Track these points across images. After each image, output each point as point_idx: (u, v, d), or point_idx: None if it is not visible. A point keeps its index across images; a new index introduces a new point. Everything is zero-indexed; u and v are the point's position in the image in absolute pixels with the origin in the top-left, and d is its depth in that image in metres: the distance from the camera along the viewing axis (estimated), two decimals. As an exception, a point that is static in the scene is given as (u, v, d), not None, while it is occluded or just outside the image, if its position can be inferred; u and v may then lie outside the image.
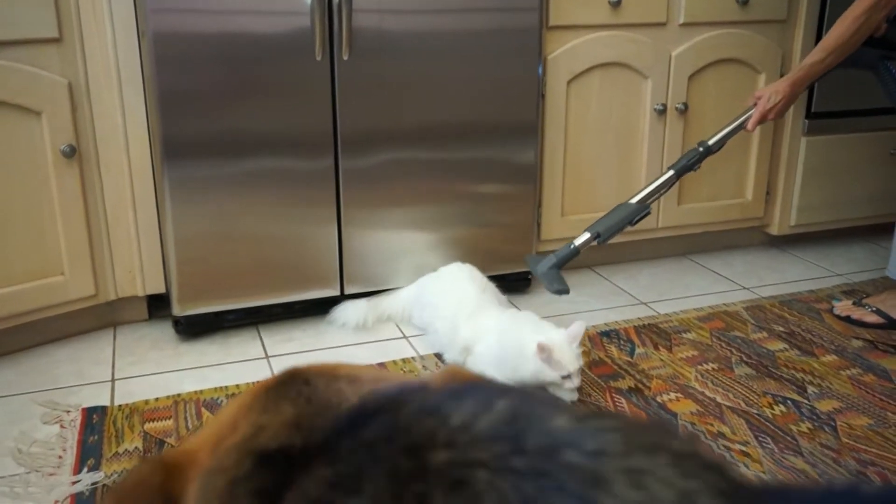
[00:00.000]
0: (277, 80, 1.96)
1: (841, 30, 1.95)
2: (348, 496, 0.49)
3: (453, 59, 2.10)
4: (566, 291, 1.95)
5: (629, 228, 2.03)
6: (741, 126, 2.07)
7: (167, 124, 1.90)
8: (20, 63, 1.81)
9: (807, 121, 2.62)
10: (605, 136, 2.43)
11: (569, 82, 2.33)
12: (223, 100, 1.93)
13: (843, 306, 2.21)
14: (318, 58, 1.97)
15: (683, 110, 2.47)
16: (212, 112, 1.93)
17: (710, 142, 2.05)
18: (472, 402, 0.50)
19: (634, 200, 2.00)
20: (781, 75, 2.57)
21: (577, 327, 1.72)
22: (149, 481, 0.66)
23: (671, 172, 2.04)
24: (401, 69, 2.06)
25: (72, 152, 1.89)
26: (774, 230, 2.75)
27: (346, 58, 1.99)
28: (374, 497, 0.47)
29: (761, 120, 2.05)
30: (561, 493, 0.43)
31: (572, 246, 1.97)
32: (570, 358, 1.67)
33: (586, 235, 1.97)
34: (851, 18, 1.93)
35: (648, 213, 2.00)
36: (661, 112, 2.45)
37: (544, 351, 1.65)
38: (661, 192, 2.05)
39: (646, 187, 2.04)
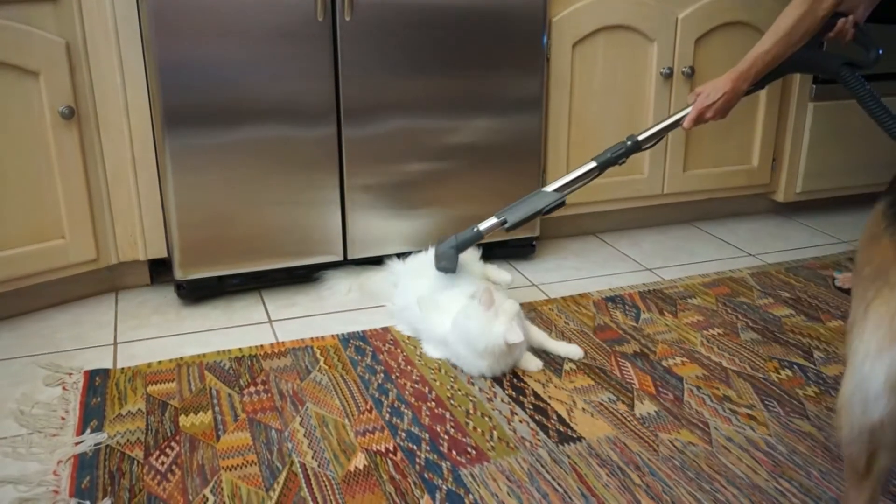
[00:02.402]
0: (278, 43, 1.92)
1: (784, 17, 1.83)
2: None
3: (457, 21, 2.07)
4: (451, 270, 1.89)
5: (549, 214, 1.95)
6: (677, 123, 1.92)
7: (167, 92, 1.87)
8: (15, 22, 1.77)
9: (814, 86, 2.58)
10: (610, 100, 2.40)
11: (574, 45, 2.30)
12: (223, 66, 1.90)
13: (846, 278, 2.18)
14: (320, 18, 1.94)
15: (690, 74, 2.44)
16: (212, 78, 1.89)
17: (640, 137, 1.92)
18: None
19: (551, 188, 1.90)
20: (789, 39, 2.53)
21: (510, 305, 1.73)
22: None
23: (593, 164, 1.91)
24: (403, 30, 2.02)
25: (70, 114, 1.87)
26: (780, 197, 2.73)
27: (348, 18, 1.96)
28: None
29: (698, 118, 1.88)
30: None
31: (475, 229, 1.88)
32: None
33: (493, 220, 1.88)
34: (794, 5, 1.81)
35: (563, 204, 1.90)
36: (668, 76, 2.42)
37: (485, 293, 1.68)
38: (581, 183, 1.92)
39: (565, 176, 1.93)
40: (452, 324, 1.73)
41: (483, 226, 1.89)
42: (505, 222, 1.88)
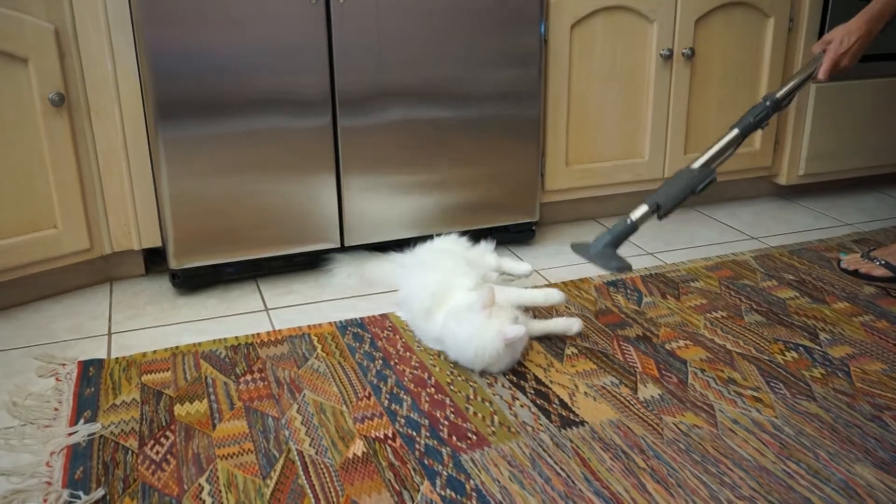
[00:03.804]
0: (271, 29, 1.89)
1: None
2: None
3: (452, 4, 2.03)
4: (628, 268, 1.74)
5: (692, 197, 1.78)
6: (811, 76, 1.82)
7: (159, 80, 1.84)
8: (4, 7, 1.74)
9: (816, 66, 2.55)
10: (609, 82, 2.37)
11: (572, 27, 2.26)
12: (216, 53, 1.86)
13: (851, 259, 2.14)
14: (313, 1, 1.90)
15: (690, 55, 2.40)
16: (204, 66, 1.86)
17: (778, 94, 1.80)
18: None
19: (696, 165, 1.77)
20: (791, 20, 2.50)
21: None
22: None
23: (736, 131, 1.79)
24: (398, 14, 1.99)
25: (60, 101, 1.83)
26: (783, 180, 2.70)
27: (341, 1, 1.92)
28: None
29: (834, 67, 1.79)
30: None
31: (629, 220, 1.72)
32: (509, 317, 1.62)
33: (644, 208, 1.73)
34: None
35: (714, 180, 1.76)
36: (668, 57, 2.38)
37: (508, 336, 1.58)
38: (727, 153, 1.79)
39: (708, 150, 1.79)
40: (443, 327, 1.67)
41: (635, 215, 1.74)
42: (658, 208, 1.73)
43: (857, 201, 2.77)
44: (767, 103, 1.80)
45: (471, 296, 1.68)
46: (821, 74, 1.80)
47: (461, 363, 1.65)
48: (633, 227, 1.73)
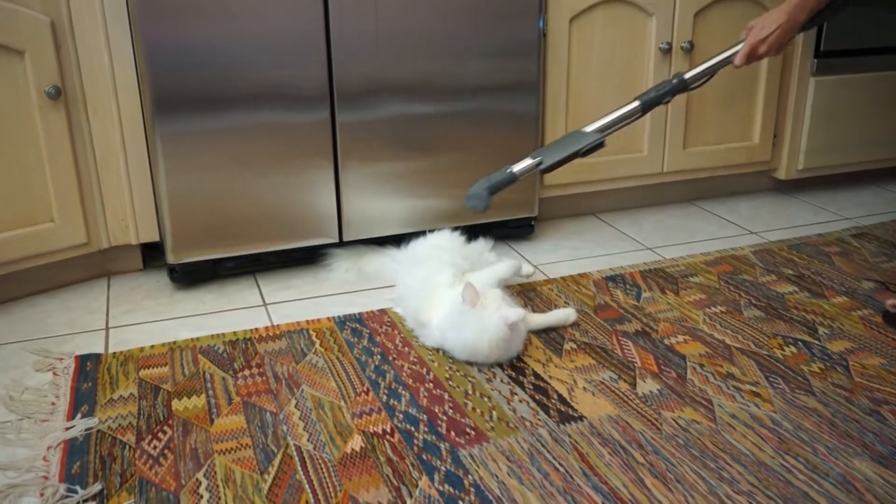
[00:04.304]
0: (268, 22, 1.88)
1: None
2: None
3: (452, -4, 2.02)
4: (481, 208, 1.70)
5: (582, 159, 1.77)
6: (727, 60, 1.76)
7: (155, 74, 1.83)
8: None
9: (815, 60, 2.54)
10: (608, 76, 2.36)
11: (571, 20, 2.26)
12: (212, 47, 1.85)
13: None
14: (312, -6, 1.89)
15: (689, 49, 2.39)
16: (201, 60, 1.85)
17: (687, 75, 1.75)
18: None
19: (591, 128, 1.74)
20: (790, 13, 2.49)
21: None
22: None
23: (636, 104, 1.75)
24: (398, 7, 1.98)
25: (57, 94, 1.82)
26: (782, 174, 2.69)
27: (340, -6, 1.92)
28: None
29: (751, 54, 1.72)
30: None
31: (509, 171, 1.69)
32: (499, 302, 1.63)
33: (528, 161, 1.70)
34: None
35: (602, 146, 1.73)
36: (667, 51, 2.37)
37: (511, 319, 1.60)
38: (623, 123, 1.76)
39: (606, 116, 1.76)
40: (443, 339, 1.67)
41: (517, 167, 1.71)
42: (541, 163, 1.71)
43: (856, 195, 2.76)
44: (674, 81, 1.75)
45: (453, 292, 1.68)
46: (737, 60, 1.74)
47: (475, 361, 1.65)
48: (513, 178, 1.71)
